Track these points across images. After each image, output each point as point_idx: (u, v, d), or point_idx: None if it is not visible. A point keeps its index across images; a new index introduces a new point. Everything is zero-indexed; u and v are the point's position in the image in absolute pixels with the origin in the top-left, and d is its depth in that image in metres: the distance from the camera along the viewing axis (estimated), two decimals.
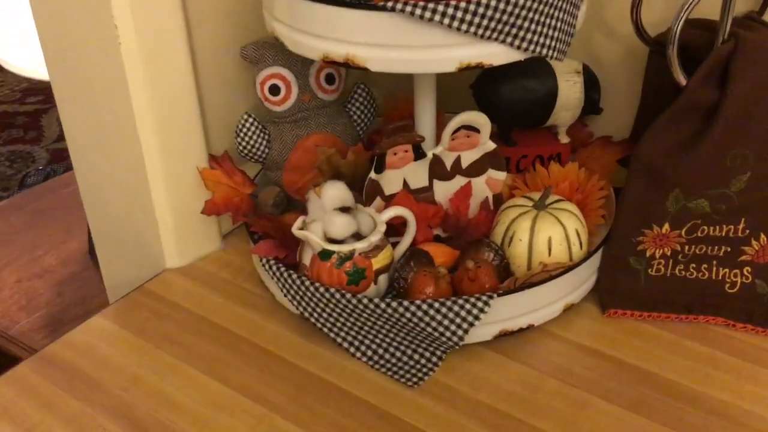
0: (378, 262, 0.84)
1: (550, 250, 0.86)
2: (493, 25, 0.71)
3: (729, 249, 0.85)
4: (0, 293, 1.55)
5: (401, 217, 0.89)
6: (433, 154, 0.92)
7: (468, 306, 0.79)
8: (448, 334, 0.79)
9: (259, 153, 0.97)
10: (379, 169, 0.90)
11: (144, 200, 0.95)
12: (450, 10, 0.69)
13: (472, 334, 0.82)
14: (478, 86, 1.00)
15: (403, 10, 0.69)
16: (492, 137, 1.05)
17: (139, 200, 0.95)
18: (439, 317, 0.79)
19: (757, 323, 0.85)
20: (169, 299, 0.94)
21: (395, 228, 0.91)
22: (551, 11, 0.73)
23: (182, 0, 0.87)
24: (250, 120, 0.96)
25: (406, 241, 0.90)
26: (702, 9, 0.80)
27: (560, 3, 0.74)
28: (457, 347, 0.81)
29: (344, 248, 0.83)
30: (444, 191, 0.95)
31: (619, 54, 1.00)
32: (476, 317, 0.79)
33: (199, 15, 0.91)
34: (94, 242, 1.08)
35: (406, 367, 0.82)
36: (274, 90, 0.94)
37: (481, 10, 0.69)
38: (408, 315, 0.79)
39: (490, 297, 0.80)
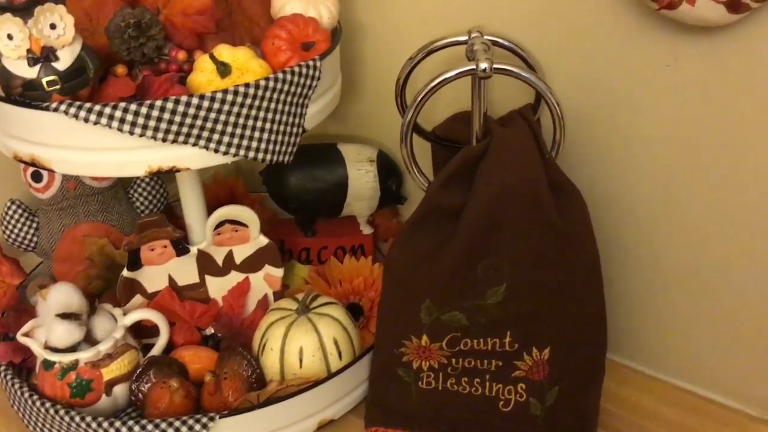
0: (111, 372, 0.77)
1: (301, 361, 0.78)
2: (175, 128, 0.64)
3: (500, 363, 0.77)
4: None
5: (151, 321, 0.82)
6: (198, 250, 0.85)
7: (184, 429, 0.71)
8: None
9: (26, 242, 0.91)
10: (133, 267, 0.83)
11: None
12: (118, 113, 0.62)
13: None
14: (267, 173, 0.93)
15: (66, 112, 0.62)
16: (292, 225, 0.99)
17: None
18: None
19: None
20: None
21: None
22: (253, 113, 0.66)
23: None
24: (14, 207, 0.89)
25: (157, 347, 0.83)
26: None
27: (266, 105, 0.67)
28: None
29: (66, 358, 0.76)
30: (219, 287, 0.87)
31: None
32: None
33: None
34: None
35: None
36: (37, 177, 0.88)
37: (155, 113, 0.62)
38: None
39: (211, 419, 0.72)
